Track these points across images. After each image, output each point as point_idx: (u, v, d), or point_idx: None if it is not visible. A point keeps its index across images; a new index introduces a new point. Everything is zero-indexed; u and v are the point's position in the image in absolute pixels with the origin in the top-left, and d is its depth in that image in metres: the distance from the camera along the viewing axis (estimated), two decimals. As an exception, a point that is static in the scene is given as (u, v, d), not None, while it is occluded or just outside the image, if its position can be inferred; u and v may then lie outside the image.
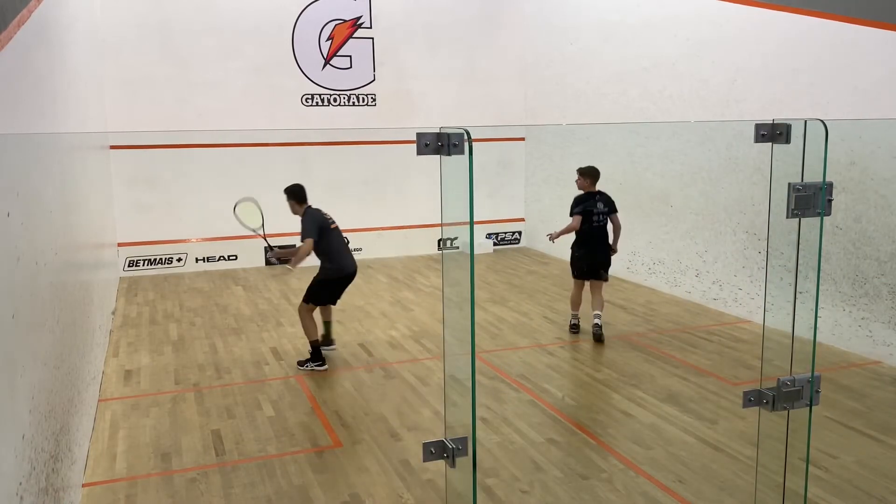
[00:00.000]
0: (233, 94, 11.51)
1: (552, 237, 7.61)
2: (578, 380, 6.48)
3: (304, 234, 6.67)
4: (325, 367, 6.80)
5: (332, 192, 11.37)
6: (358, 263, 7.09)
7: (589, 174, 7.62)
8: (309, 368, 6.78)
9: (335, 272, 6.88)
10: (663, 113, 9.58)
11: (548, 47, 12.29)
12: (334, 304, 7.22)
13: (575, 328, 7.85)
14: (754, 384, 2.73)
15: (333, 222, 6.90)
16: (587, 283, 7.75)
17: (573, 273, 7.82)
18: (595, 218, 7.52)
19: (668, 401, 5.93)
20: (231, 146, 11.56)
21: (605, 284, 7.71)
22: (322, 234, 6.71)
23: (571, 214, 7.56)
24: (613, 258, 7.77)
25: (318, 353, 6.83)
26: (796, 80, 7.60)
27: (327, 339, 7.29)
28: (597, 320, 7.55)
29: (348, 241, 7.23)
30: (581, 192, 7.62)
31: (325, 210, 6.96)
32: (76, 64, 6.80)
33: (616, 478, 4.65)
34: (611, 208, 7.61)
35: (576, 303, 7.88)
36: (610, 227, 7.65)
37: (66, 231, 4.97)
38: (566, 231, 7.59)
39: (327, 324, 7.32)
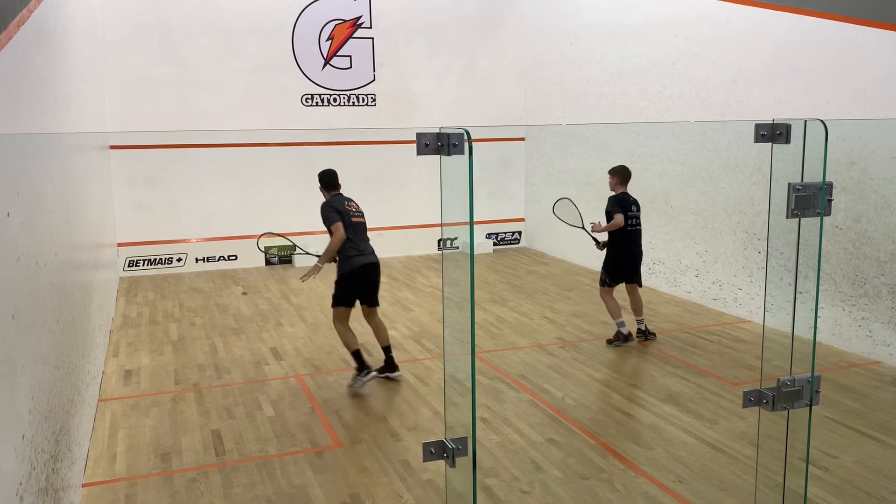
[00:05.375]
0: (233, 94, 11.51)
1: (595, 229, 7.38)
2: (578, 380, 6.48)
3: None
4: (372, 373, 5.96)
5: (332, 192, 11.40)
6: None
7: (618, 173, 7.41)
8: (360, 384, 5.97)
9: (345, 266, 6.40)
10: (663, 113, 9.57)
11: (548, 47, 12.28)
12: (361, 302, 6.45)
13: (630, 336, 7.43)
14: (754, 384, 2.73)
15: (356, 215, 6.49)
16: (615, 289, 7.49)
17: (607, 281, 7.45)
18: (630, 221, 7.31)
19: (668, 401, 5.93)
20: (231, 146, 11.57)
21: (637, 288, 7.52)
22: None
23: (612, 213, 7.27)
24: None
25: (361, 362, 6.03)
26: (796, 80, 7.60)
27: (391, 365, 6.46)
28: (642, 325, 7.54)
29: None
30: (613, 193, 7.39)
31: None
32: (76, 64, 6.80)
33: (616, 478, 4.65)
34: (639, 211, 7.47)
35: (616, 309, 7.45)
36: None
37: (66, 231, 4.96)
38: (609, 228, 7.30)
39: (386, 349, 6.48)
